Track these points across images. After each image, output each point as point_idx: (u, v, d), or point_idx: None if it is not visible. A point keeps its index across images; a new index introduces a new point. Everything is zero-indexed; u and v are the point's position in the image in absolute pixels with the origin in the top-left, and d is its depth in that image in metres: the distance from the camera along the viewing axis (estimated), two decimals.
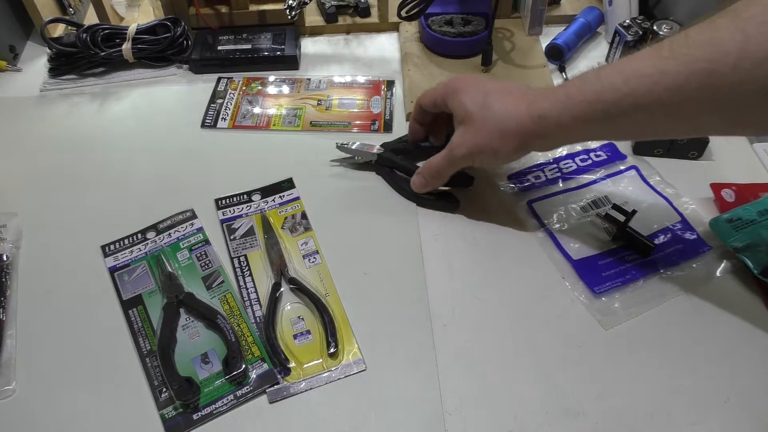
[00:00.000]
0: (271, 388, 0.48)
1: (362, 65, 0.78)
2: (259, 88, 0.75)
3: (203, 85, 0.75)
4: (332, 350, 0.49)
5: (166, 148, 0.68)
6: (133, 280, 0.55)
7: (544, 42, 0.77)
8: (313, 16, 0.84)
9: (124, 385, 0.48)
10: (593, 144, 0.65)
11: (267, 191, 0.62)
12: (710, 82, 0.39)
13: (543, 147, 0.54)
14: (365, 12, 0.83)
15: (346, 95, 0.74)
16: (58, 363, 0.50)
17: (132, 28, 0.76)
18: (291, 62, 0.77)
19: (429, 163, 0.57)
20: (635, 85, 0.43)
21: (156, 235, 0.58)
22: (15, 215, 0.60)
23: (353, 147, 0.63)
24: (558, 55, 0.75)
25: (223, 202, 0.61)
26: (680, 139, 0.62)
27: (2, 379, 0.48)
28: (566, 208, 0.60)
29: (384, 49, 0.81)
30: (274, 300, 0.53)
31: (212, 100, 0.73)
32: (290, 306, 0.53)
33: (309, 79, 0.76)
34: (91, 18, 0.82)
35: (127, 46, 0.75)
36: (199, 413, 0.47)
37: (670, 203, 0.59)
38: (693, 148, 0.63)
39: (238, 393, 0.48)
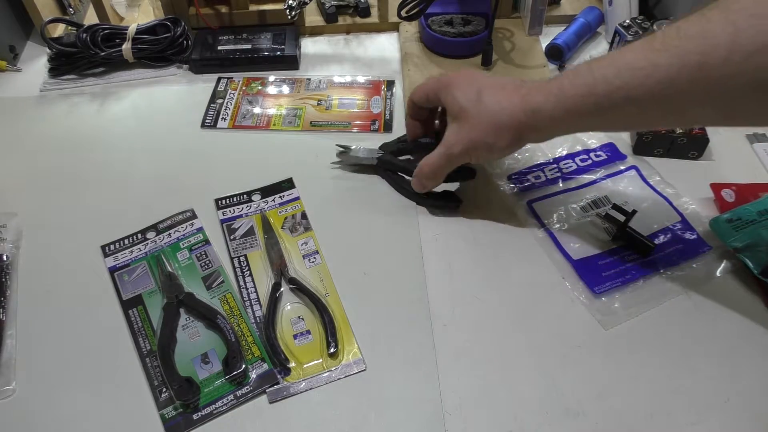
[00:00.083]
0: (271, 388, 0.48)
1: (362, 65, 0.78)
2: (259, 88, 0.75)
3: (203, 85, 0.75)
4: (332, 350, 0.49)
5: (166, 148, 0.68)
6: (133, 280, 0.55)
7: (544, 42, 0.77)
8: (313, 16, 0.84)
9: (124, 385, 0.48)
10: (593, 144, 0.65)
11: (267, 191, 0.62)
12: (701, 74, 0.39)
13: (537, 139, 0.54)
14: (365, 12, 0.83)
15: (346, 95, 0.74)
16: (58, 363, 0.50)
17: (132, 28, 0.76)
18: (291, 62, 0.77)
19: (425, 163, 0.56)
20: (627, 78, 0.43)
21: (156, 235, 0.58)
22: (15, 215, 0.60)
23: (351, 153, 0.63)
24: (558, 55, 0.75)
25: (223, 202, 0.61)
26: (680, 139, 0.62)
27: (2, 379, 0.48)
28: (566, 208, 0.60)
29: (384, 49, 0.81)
30: (274, 300, 0.53)
31: (212, 100, 0.73)
32: (290, 306, 0.53)
33: (309, 79, 0.76)
34: (91, 18, 0.82)
35: (127, 46, 0.75)
36: (199, 413, 0.47)
37: (670, 203, 0.59)
38: (693, 148, 0.63)
39: (238, 393, 0.48)
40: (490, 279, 0.54)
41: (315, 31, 0.83)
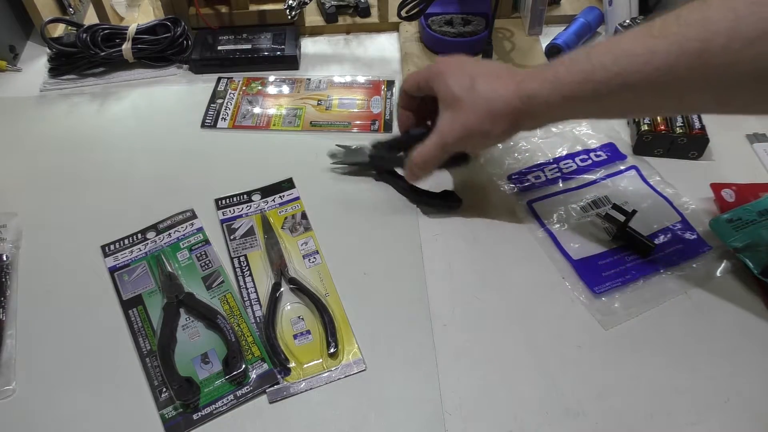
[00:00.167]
0: (271, 388, 0.48)
1: (362, 65, 0.78)
2: (259, 88, 0.75)
3: (203, 85, 0.75)
4: (332, 350, 0.49)
5: (166, 148, 0.68)
6: (133, 280, 0.55)
7: (544, 42, 0.77)
8: (313, 16, 0.84)
9: (124, 385, 0.48)
10: (593, 144, 0.65)
11: (267, 191, 0.62)
12: (700, 61, 0.39)
13: (533, 126, 0.53)
14: (365, 12, 0.83)
15: (346, 95, 0.74)
16: (58, 363, 0.50)
17: (132, 28, 0.76)
18: (291, 62, 0.77)
19: (418, 153, 0.55)
20: (625, 65, 0.43)
21: (156, 235, 0.58)
22: (15, 215, 0.60)
23: (343, 151, 0.63)
24: (558, 55, 0.75)
25: (223, 202, 0.61)
26: (680, 139, 0.62)
27: (2, 379, 0.48)
28: (566, 208, 0.60)
29: (384, 49, 0.81)
30: (274, 300, 0.53)
31: (212, 100, 0.73)
32: (290, 306, 0.53)
33: (309, 79, 0.76)
34: (91, 18, 0.82)
35: (127, 46, 0.75)
36: (199, 413, 0.47)
37: (670, 203, 0.59)
38: (693, 148, 0.63)
39: (238, 393, 0.48)
40: (490, 279, 0.54)
41: (315, 31, 0.83)
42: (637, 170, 0.63)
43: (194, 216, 0.60)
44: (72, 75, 0.77)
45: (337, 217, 0.60)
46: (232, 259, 0.56)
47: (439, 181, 0.62)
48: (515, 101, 0.48)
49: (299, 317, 0.52)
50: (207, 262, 0.56)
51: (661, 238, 0.56)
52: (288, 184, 0.63)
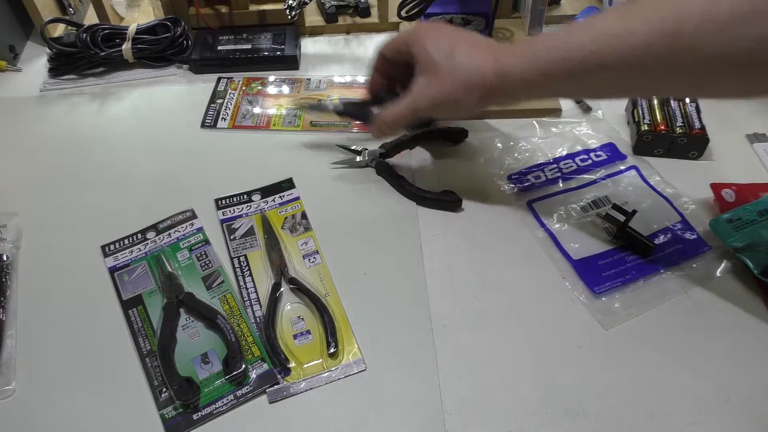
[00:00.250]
0: (271, 388, 0.48)
1: (362, 65, 0.78)
2: (259, 88, 0.75)
3: (203, 85, 0.75)
4: (332, 350, 0.49)
5: (166, 148, 0.68)
6: (133, 280, 0.55)
7: None
8: (313, 16, 0.84)
9: (124, 385, 0.48)
10: (593, 144, 0.65)
11: (267, 191, 0.62)
12: (674, 43, 0.39)
13: (507, 102, 0.53)
14: (365, 12, 0.83)
15: (346, 95, 0.74)
16: (58, 363, 0.50)
17: (132, 28, 0.76)
18: (291, 62, 0.77)
19: (389, 112, 0.55)
20: (602, 44, 0.43)
21: (156, 235, 0.58)
22: (15, 215, 0.60)
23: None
24: None
25: (223, 202, 0.61)
26: (680, 139, 0.62)
27: (2, 379, 0.48)
28: (566, 208, 0.60)
29: None
30: (274, 300, 0.53)
31: (212, 100, 0.73)
32: (290, 306, 0.53)
33: (309, 79, 0.76)
34: (91, 18, 0.82)
35: (127, 46, 0.75)
36: (199, 413, 0.47)
37: (670, 203, 0.59)
38: (693, 148, 0.63)
39: (238, 393, 0.48)
40: (490, 279, 0.54)
41: (315, 31, 0.83)
42: (637, 170, 0.63)
43: (194, 216, 0.60)
44: (72, 75, 0.77)
45: (337, 217, 0.60)
46: (232, 259, 0.56)
47: (439, 181, 0.62)
48: (491, 76, 0.48)
49: (299, 317, 0.52)
50: (207, 262, 0.56)
51: (661, 238, 0.56)
52: (288, 184, 0.63)
